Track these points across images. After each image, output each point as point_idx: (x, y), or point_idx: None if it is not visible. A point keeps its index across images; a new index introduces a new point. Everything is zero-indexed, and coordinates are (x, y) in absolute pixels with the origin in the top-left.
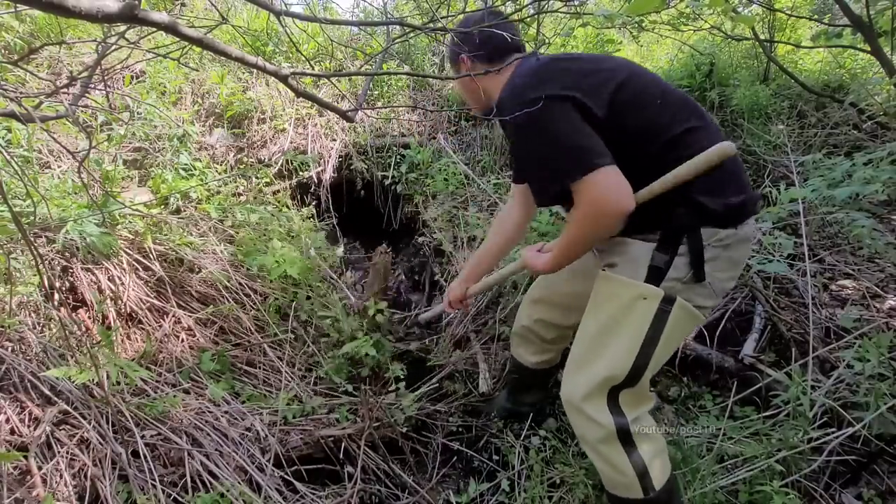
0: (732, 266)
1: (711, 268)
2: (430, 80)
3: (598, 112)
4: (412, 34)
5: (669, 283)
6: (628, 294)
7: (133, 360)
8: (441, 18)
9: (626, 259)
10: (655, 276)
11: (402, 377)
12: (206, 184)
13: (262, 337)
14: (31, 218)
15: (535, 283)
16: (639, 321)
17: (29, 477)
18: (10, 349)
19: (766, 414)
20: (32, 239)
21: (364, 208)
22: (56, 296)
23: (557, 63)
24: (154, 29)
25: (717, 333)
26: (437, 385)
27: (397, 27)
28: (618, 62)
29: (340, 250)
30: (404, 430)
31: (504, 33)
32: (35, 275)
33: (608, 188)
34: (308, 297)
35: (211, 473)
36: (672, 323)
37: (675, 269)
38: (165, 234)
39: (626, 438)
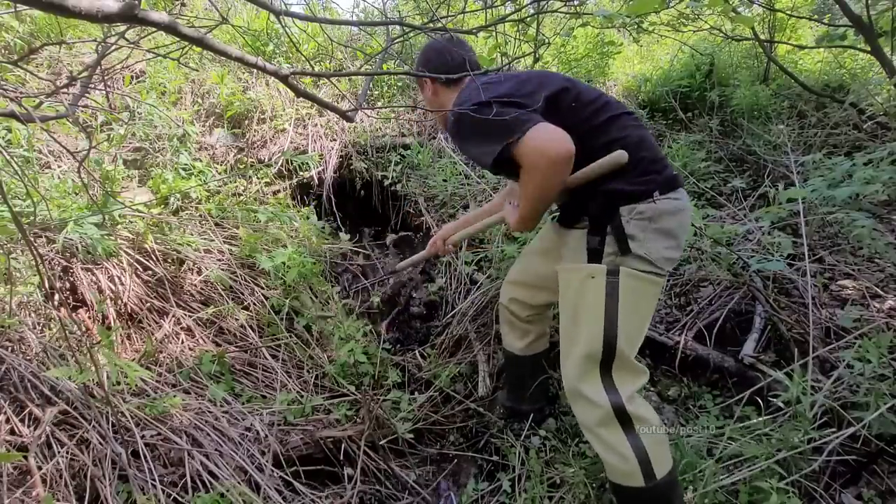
0: (665, 236)
1: (642, 239)
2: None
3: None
4: (412, 34)
5: (608, 257)
6: (578, 277)
7: (133, 360)
8: (441, 18)
9: (568, 249)
10: (595, 255)
11: (399, 382)
12: (206, 184)
13: (262, 338)
14: (31, 218)
15: (513, 266)
16: (595, 296)
17: (29, 477)
18: (10, 349)
19: (767, 415)
20: (32, 239)
21: (364, 208)
22: (56, 296)
23: (497, 84)
24: (154, 29)
25: (717, 333)
26: (438, 388)
27: (397, 27)
28: (549, 77)
29: (346, 237)
30: (407, 436)
31: (457, 55)
32: (35, 275)
33: (545, 136)
34: (311, 298)
35: (211, 473)
36: (625, 289)
37: (608, 245)
38: (166, 234)
39: (623, 418)
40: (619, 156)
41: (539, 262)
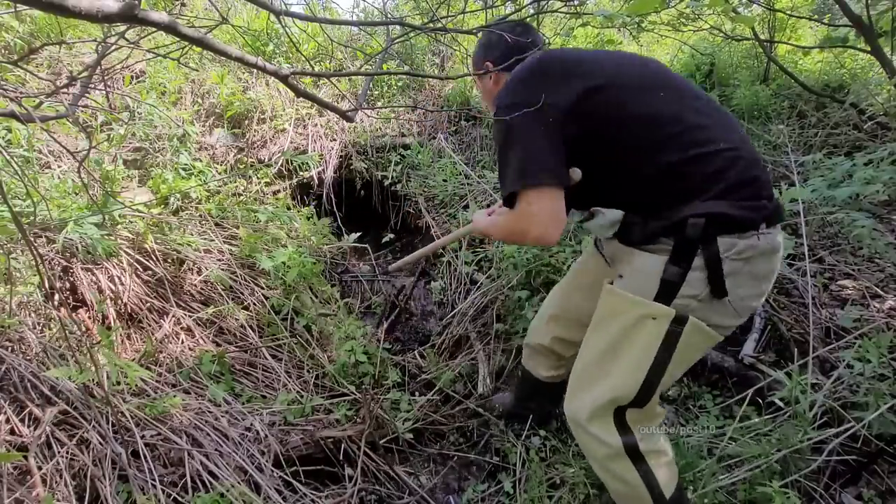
0: (756, 282)
1: (731, 283)
2: (430, 80)
3: (572, 125)
4: (412, 34)
5: (683, 300)
6: (635, 312)
7: (133, 360)
8: (440, 18)
9: (633, 271)
10: (667, 292)
11: (399, 382)
12: (206, 184)
13: (262, 338)
14: (31, 218)
15: (550, 299)
16: (646, 342)
17: (29, 477)
18: (10, 349)
19: (767, 415)
20: (32, 239)
21: (364, 209)
22: (56, 296)
23: (545, 65)
24: (154, 29)
25: None
26: (438, 389)
27: (397, 27)
28: (613, 61)
29: (353, 237)
30: (407, 437)
31: (522, 37)
32: (35, 275)
33: (539, 211)
34: (311, 298)
35: (211, 473)
36: (684, 343)
37: (688, 285)
38: (166, 234)
39: (634, 455)
40: (573, 173)
41: (586, 295)
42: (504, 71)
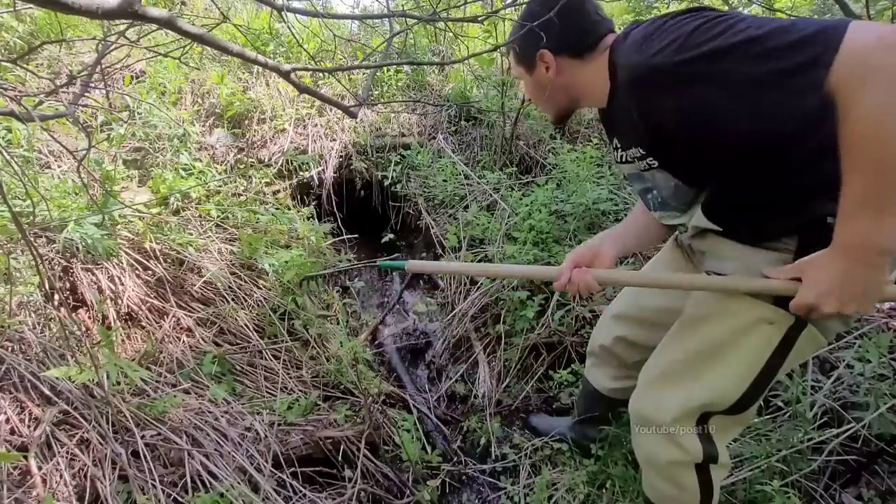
0: None
1: None
2: (431, 80)
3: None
4: (414, 24)
5: None
6: (750, 315)
7: (133, 360)
8: (441, 12)
9: (746, 270)
10: (785, 295)
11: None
12: (206, 184)
13: (262, 338)
14: (31, 218)
15: (619, 297)
16: (758, 348)
17: (29, 477)
18: (10, 349)
19: (767, 415)
20: (32, 239)
21: (364, 208)
22: (56, 296)
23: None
24: (153, 26)
25: None
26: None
27: (397, 24)
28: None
29: (347, 258)
30: (406, 436)
31: (589, 11)
32: (35, 275)
33: (878, 30)
34: (310, 299)
35: (211, 473)
36: (796, 350)
37: None
38: (166, 234)
39: (705, 464)
40: None
41: (653, 294)
42: (569, 57)
